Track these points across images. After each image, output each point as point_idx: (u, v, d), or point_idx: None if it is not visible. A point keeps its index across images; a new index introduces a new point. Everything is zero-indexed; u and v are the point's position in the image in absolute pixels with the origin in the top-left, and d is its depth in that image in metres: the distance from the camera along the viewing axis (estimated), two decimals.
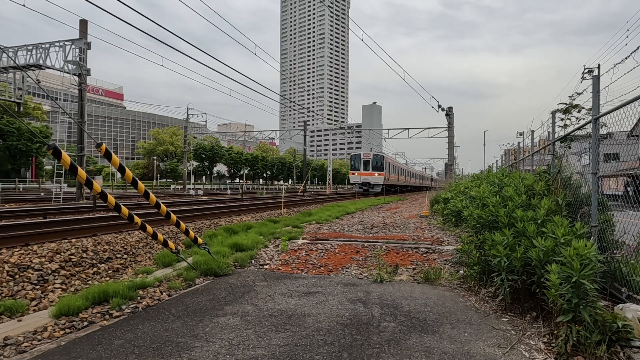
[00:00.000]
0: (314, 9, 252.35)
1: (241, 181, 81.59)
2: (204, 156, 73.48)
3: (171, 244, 5.85)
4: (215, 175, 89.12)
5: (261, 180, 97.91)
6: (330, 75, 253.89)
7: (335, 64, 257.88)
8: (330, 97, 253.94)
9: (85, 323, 4.06)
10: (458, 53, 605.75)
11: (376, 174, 41.36)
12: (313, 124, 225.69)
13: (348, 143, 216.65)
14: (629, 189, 4.74)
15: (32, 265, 6.10)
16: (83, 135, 23.87)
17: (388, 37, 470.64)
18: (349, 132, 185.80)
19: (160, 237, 5.68)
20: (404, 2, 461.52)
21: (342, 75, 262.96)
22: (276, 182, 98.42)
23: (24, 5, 15.39)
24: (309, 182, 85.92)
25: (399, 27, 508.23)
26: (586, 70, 17.45)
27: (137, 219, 5.18)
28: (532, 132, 9.44)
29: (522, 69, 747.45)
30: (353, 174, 42.78)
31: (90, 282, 6.09)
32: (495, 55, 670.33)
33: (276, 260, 7.44)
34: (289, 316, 4.25)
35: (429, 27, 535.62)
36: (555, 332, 3.60)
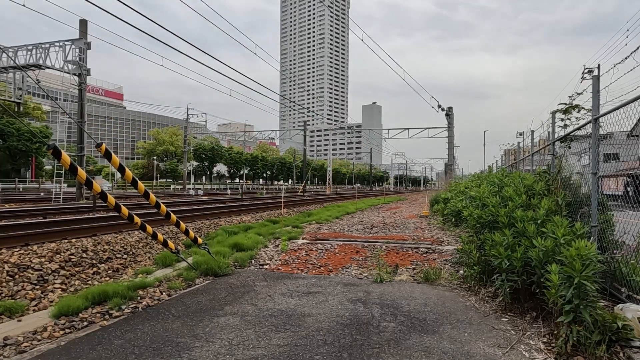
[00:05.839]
0: (314, 9, 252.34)
1: (241, 181, 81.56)
2: (203, 156, 73.44)
3: (171, 244, 5.85)
4: (215, 175, 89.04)
5: (261, 180, 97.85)
6: (330, 75, 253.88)
7: (335, 64, 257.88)
8: (330, 97, 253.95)
9: (85, 323, 4.06)
10: (455, 53, 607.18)
11: None
12: (313, 124, 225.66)
13: (348, 143, 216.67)
14: (629, 189, 4.73)
15: (32, 265, 6.09)
16: (83, 135, 23.86)
17: (384, 37, 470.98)
18: (349, 132, 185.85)
19: (160, 237, 5.68)
20: (398, 2, 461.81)
21: (342, 75, 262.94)
22: (276, 182, 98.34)
23: (24, 5, 15.39)
24: (308, 182, 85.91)
25: (395, 28, 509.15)
26: (586, 70, 17.44)
27: (137, 219, 5.18)
28: (532, 132, 9.43)
29: (519, 69, 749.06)
30: None
31: (90, 282, 6.09)
32: (491, 56, 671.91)
33: (276, 260, 7.43)
34: (289, 316, 4.25)
35: (424, 27, 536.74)
36: (555, 332, 3.60)
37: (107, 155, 4.80)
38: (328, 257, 7.63)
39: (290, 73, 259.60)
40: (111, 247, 7.81)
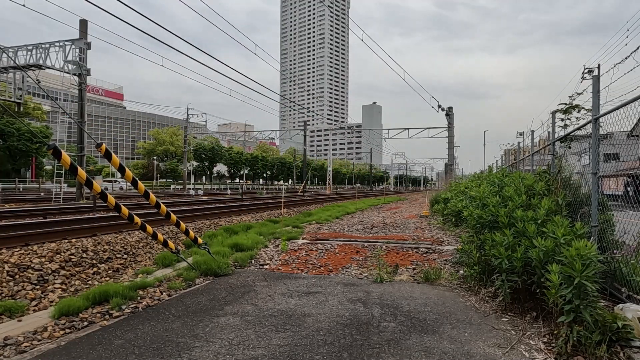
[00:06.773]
0: (314, 9, 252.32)
1: (241, 181, 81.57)
2: (204, 156, 73.46)
3: (171, 244, 5.85)
4: (215, 175, 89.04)
5: (261, 180, 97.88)
6: (330, 75, 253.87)
7: (335, 64, 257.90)
8: (330, 97, 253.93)
9: (85, 323, 4.06)
10: (454, 53, 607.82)
11: None
12: (313, 124, 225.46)
13: (348, 143, 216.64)
14: (629, 188, 4.73)
15: (32, 265, 6.09)
16: (83, 135, 23.87)
17: (384, 37, 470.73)
18: (349, 132, 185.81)
19: (160, 237, 5.68)
20: (398, 2, 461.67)
21: (342, 75, 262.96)
22: (276, 182, 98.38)
23: (24, 5, 15.39)
24: (309, 182, 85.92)
25: (394, 28, 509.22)
26: (586, 71, 17.44)
27: (137, 219, 5.18)
28: (532, 132, 9.43)
29: (519, 69, 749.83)
30: None
31: (90, 282, 6.09)
32: (491, 56, 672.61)
33: (276, 260, 7.43)
34: (289, 316, 4.25)
35: (424, 27, 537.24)
36: (555, 332, 3.60)
37: (107, 156, 4.80)
38: (328, 257, 7.63)
39: (290, 73, 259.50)
40: (111, 247, 7.81)
